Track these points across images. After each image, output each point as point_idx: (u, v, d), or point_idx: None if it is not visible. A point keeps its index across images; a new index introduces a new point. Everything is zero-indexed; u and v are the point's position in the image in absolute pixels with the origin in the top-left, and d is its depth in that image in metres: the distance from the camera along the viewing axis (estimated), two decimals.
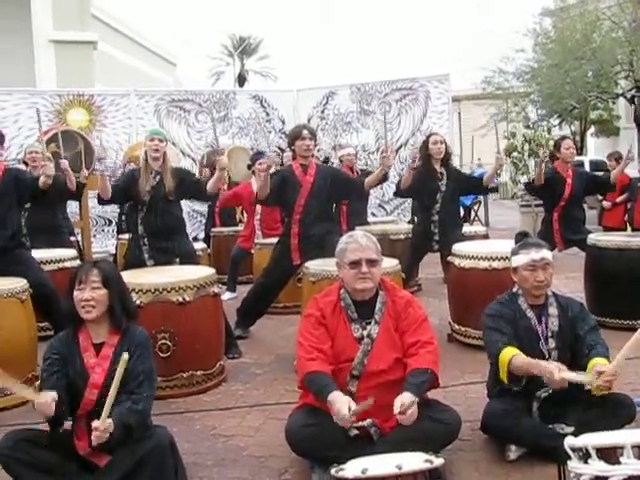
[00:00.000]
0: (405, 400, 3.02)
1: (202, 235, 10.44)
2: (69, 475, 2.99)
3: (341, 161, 8.63)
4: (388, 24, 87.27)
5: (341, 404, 2.98)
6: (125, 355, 2.86)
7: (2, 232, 5.28)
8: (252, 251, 7.76)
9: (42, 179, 5.26)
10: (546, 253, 3.57)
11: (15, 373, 4.43)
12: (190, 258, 5.53)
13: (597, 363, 3.23)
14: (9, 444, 2.97)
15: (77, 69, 14.33)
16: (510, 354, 3.33)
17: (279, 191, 5.55)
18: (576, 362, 3.44)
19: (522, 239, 3.71)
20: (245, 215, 8.73)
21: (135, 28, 23.60)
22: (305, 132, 5.61)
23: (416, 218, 9.92)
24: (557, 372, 3.13)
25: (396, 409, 2.99)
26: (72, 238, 8.12)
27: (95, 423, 2.82)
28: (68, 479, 2.98)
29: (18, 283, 4.71)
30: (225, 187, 9.32)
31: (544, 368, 3.20)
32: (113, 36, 20.43)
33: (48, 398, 2.87)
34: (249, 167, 8.07)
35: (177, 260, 5.44)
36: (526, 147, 15.46)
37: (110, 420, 2.84)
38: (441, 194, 6.50)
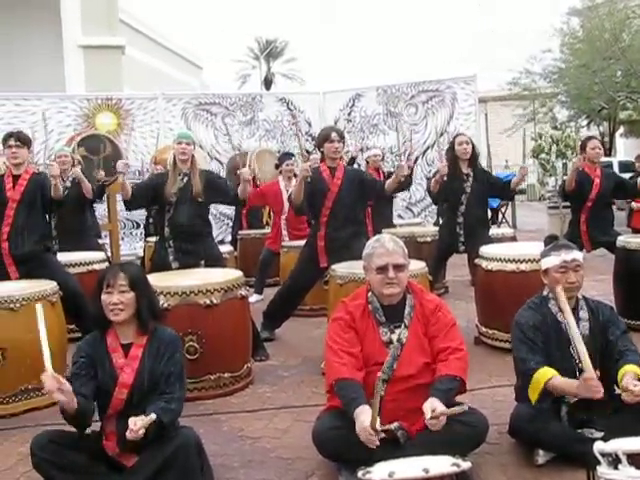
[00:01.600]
0: (436, 406, 3.01)
1: (229, 238, 10.50)
2: (98, 476, 3.03)
3: (367, 162, 8.64)
4: (410, 25, 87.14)
5: (364, 419, 2.97)
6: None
7: (29, 237, 5.34)
8: (279, 251, 7.78)
9: (52, 193, 5.32)
10: (577, 254, 3.53)
11: None
12: (216, 261, 5.52)
13: (627, 372, 3.20)
14: (40, 445, 3.01)
15: (105, 73, 14.50)
16: (547, 376, 3.28)
17: (308, 194, 5.58)
18: (605, 367, 3.41)
19: (552, 242, 3.67)
20: (272, 216, 8.76)
21: (162, 32, 23.80)
22: (334, 134, 5.61)
23: (441, 220, 9.91)
24: (597, 394, 3.11)
25: (427, 414, 2.98)
26: (100, 241, 8.21)
27: (131, 420, 2.87)
28: (98, 479, 3.01)
29: (48, 285, 4.77)
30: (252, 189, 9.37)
31: (584, 389, 3.16)
32: (140, 40, 20.62)
33: (54, 381, 2.87)
34: (277, 167, 8.12)
35: (202, 263, 5.43)
36: (554, 148, 15.32)
37: (150, 416, 2.90)
38: (466, 195, 6.42)
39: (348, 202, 5.58)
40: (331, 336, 3.37)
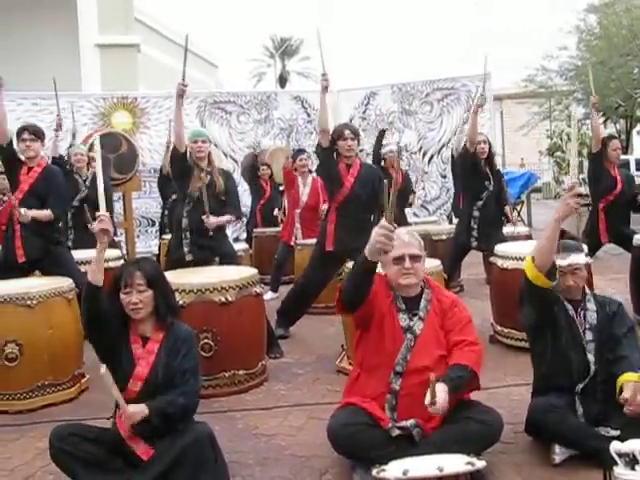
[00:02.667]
0: (438, 390, 2.97)
1: (244, 235, 10.52)
2: (115, 469, 3.06)
3: (384, 159, 8.62)
4: (425, 23, 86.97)
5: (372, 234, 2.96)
6: None
7: (38, 228, 5.35)
8: (293, 244, 7.81)
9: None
10: (574, 258, 3.54)
11: (63, 371, 4.58)
12: (230, 258, 5.54)
13: (626, 381, 3.21)
14: (60, 437, 3.06)
15: (121, 72, 14.58)
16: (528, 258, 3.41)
17: (323, 175, 5.74)
18: (607, 362, 3.44)
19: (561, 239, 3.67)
20: (285, 215, 8.79)
21: (177, 30, 23.84)
22: (347, 132, 5.61)
23: (453, 215, 9.89)
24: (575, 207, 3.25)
25: (427, 400, 2.93)
26: (116, 238, 8.25)
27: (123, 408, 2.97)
28: (114, 473, 3.04)
29: (64, 282, 4.80)
30: (268, 188, 9.41)
31: (563, 204, 3.28)
32: (156, 39, 20.67)
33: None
34: (292, 164, 8.17)
35: (216, 259, 5.45)
36: (569, 146, 15.22)
37: (143, 406, 2.98)
38: (487, 193, 6.45)
39: (360, 200, 5.59)
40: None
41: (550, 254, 3.38)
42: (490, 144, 6.60)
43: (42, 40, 16.47)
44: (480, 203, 6.45)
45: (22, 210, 5.20)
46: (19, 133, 5.41)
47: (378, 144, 8.50)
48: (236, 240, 9.70)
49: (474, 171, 6.42)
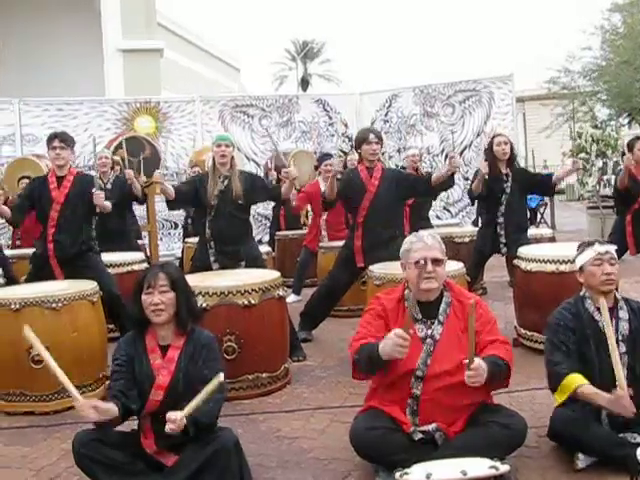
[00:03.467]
0: (479, 362, 3.02)
1: (267, 238, 10.55)
2: (138, 474, 3.07)
3: (404, 167, 8.60)
4: (445, 25, 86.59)
5: (388, 337, 3.04)
6: (221, 376, 2.94)
7: (73, 238, 5.42)
8: (316, 251, 7.80)
9: (97, 208, 5.42)
10: (611, 248, 3.50)
11: (87, 373, 4.63)
12: (256, 261, 5.55)
13: None
14: (82, 442, 3.08)
15: (144, 77, 14.69)
16: (576, 383, 3.24)
17: (345, 193, 5.61)
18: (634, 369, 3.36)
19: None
20: (309, 218, 8.79)
21: (200, 35, 24.00)
22: (372, 136, 5.61)
23: (480, 220, 9.81)
24: (627, 413, 3.09)
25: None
26: (139, 241, 8.32)
27: (169, 414, 2.90)
28: (137, 478, 3.06)
29: (88, 285, 4.86)
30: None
31: (615, 405, 3.14)
32: (178, 43, 20.82)
33: (86, 404, 2.95)
34: (316, 168, 8.17)
35: (243, 264, 5.46)
36: (594, 148, 15.07)
37: (182, 414, 2.91)
38: (506, 196, 6.40)
39: (386, 203, 5.57)
40: (360, 324, 3.42)
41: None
42: (512, 145, 6.56)
43: (66, 45, 16.67)
44: (502, 208, 6.40)
45: (97, 192, 5.31)
46: (49, 140, 5.41)
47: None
48: (259, 243, 9.72)
49: (492, 177, 6.37)
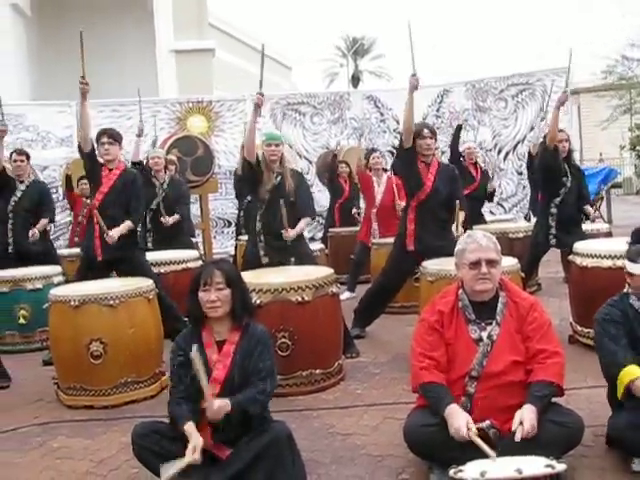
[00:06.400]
0: (525, 418, 2.97)
1: (319, 235, 10.58)
2: (194, 466, 3.12)
3: (463, 156, 8.54)
4: (497, 20, 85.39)
5: (459, 423, 3.00)
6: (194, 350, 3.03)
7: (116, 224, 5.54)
8: (370, 245, 7.81)
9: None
10: None
11: (144, 369, 4.73)
12: (306, 258, 5.57)
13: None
14: (140, 435, 3.17)
15: (196, 77, 14.88)
16: (632, 375, 3.17)
17: (405, 174, 5.70)
18: None
19: (638, 238, 3.53)
20: (360, 216, 8.81)
21: (250, 34, 24.16)
22: (426, 131, 5.58)
23: (531, 214, 9.66)
24: None
25: (514, 425, 2.96)
26: (193, 239, 8.44)
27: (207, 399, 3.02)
28: (192, 470, 3.11)
29: (145, 282, 4.96)
30: (347, 186, 9.45)
31: None
32: (229, 43, 21.02)
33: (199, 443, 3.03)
34: (365, 165, 8.21)
35: (292, 260, 5.48)
36: None
37: (225, 401, 3.04)
38: (565, 189, 6.32)
39: (439, 198, 5.57)
40: (415, 337, 3.40)
41: None
42: (570, 141, 6.47)
43: (120, 46, 16.94)
44: (558, 200, 6.31)
45: (110, 233, 5.41)
46: (98, 137, 5.61)
47: (455, 140, 8.42)
48: (312, 240, 9.77)
49: (552, 168, 6.28)
